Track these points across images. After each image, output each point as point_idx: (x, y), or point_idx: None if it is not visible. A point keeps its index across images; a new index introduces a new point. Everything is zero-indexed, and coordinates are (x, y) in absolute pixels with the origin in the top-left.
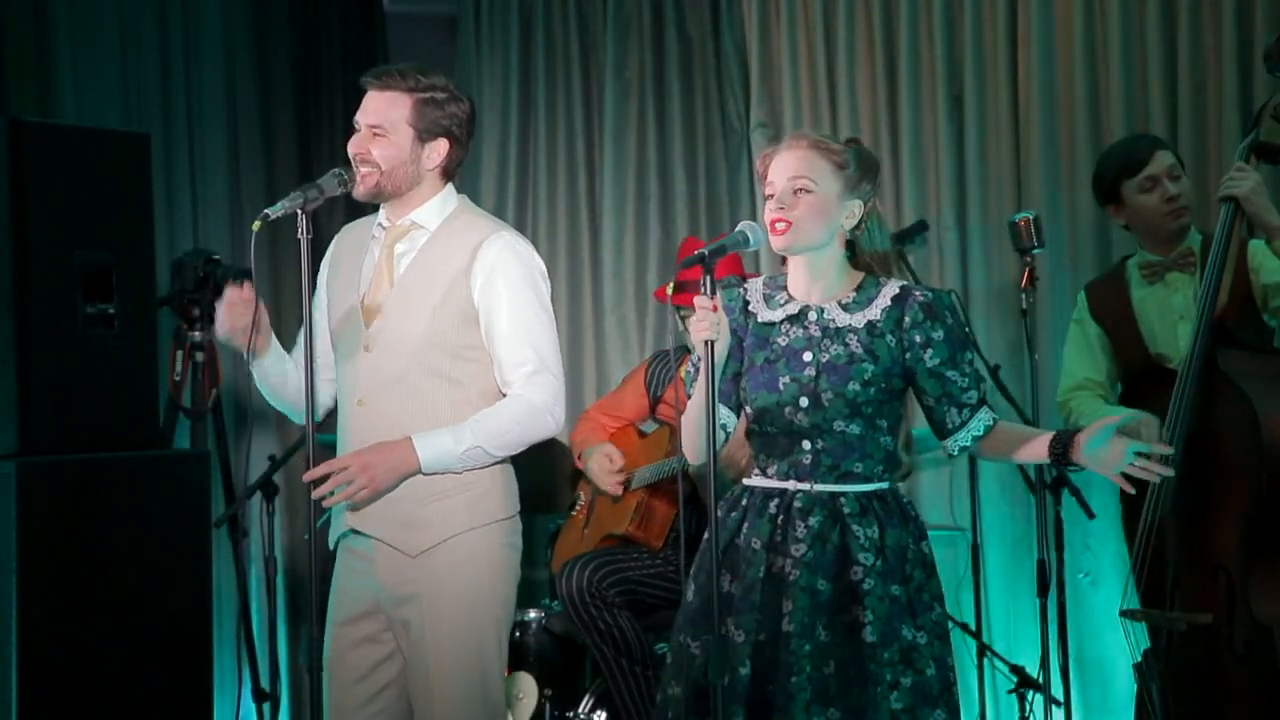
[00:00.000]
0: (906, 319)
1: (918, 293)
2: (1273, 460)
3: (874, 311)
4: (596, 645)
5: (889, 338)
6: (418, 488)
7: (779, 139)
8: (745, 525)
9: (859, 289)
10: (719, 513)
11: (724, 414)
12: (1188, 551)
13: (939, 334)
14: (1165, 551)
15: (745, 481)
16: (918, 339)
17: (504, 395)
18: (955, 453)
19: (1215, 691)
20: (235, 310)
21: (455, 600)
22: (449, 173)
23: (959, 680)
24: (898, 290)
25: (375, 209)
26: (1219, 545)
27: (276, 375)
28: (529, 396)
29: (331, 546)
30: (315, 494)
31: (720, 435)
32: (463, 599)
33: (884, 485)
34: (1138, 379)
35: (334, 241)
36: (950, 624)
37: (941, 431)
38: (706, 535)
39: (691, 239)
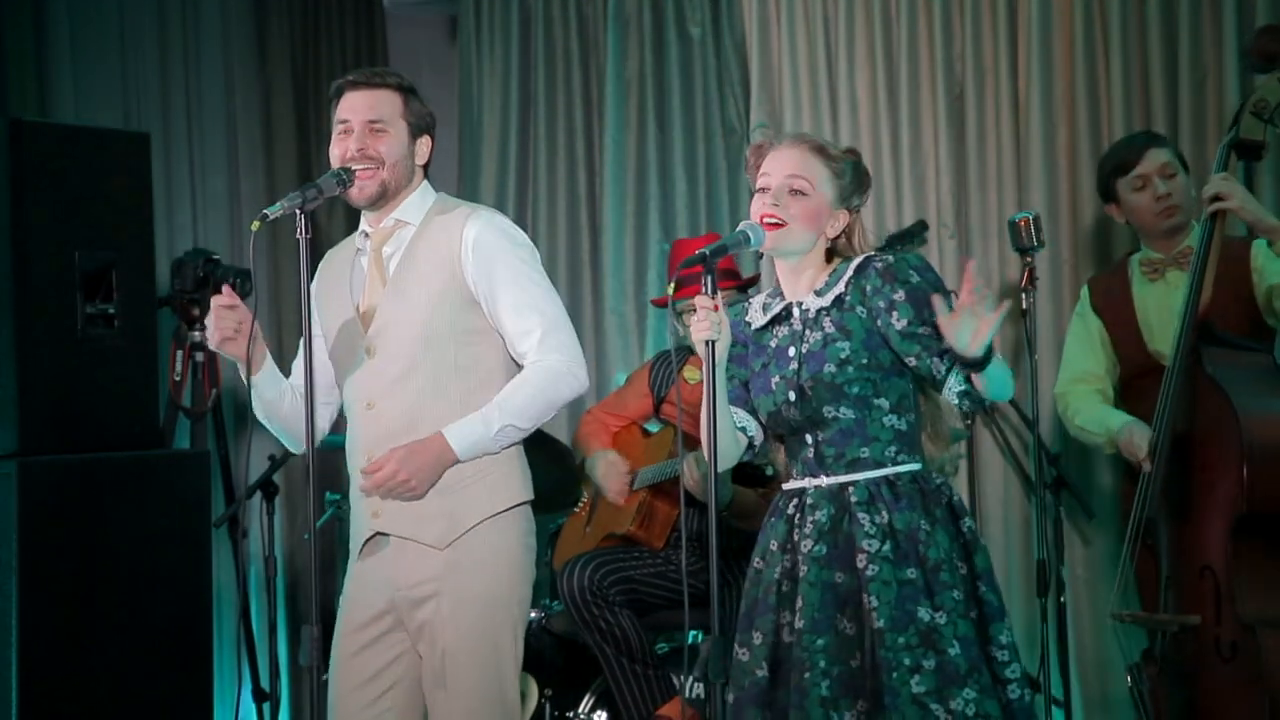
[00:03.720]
0: (868, 287)
1: (878, 259)
2: (1254, 459)
3: (840, 286)
4: (597, 644)
5: (859, 309)
6: (439, 479)
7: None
8: (773, 529)
9: (832, 272)
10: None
11: (742, 417)
12: (1177, 552)
13: (900, 294)
14: (1159, 552)
15: (782, 486)
16: (881, 304)
17: (520, 368)
18: (957, 399)
19: (1205, 692)
20: (222, 318)
21: (474, 601)
22: (427, 169)
23: None
24: (860, 260)
25: (349, 219)
26: (1205, 545)
27: (272, 393)
28: (546, 362)
29: (358, 554)
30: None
31: (742, 439)
32: (481, 599)
33: (901, 468)
34: (1136, 375)
35: (318, 271)
36: None
37: (935, 384)
38: (759, 539)
39: (680, 241)
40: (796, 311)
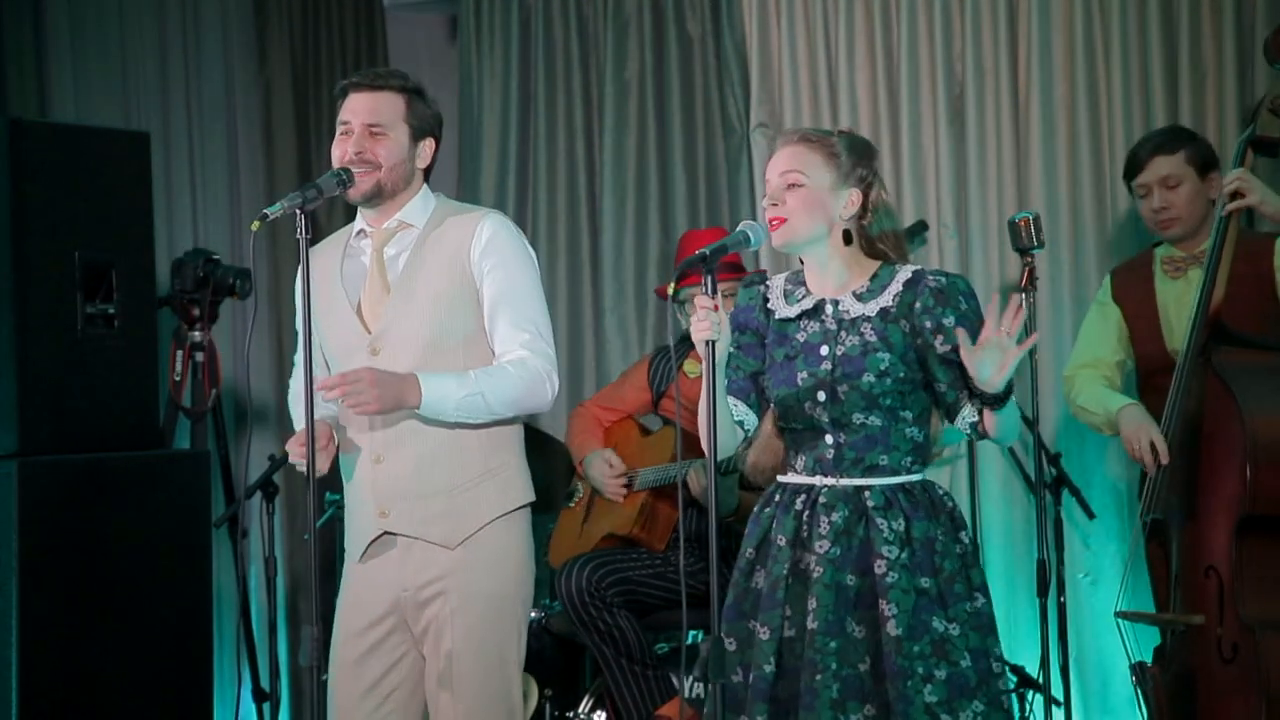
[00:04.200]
0: (917, 304)
1: (930, 277)
2: (1258, 459)
3: (886, 298)
4: (596, 645)
5: (902, 323)
6: (447, 479)
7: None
8: (774, 522)
9: (874, 277)
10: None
11: (740, 411)
12: (1185, 551)
13: (950, 320)
14: (1169, 551)
15: (779, 478)
16: (928, 324)
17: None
18: (970, 429)
19: (1206, 693)
20: (325, 456)
21: (481, 599)
22: (429, 173)
23: None
24: (910, 274)
25: (350, 219)
26: (1211, 545)
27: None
28: (532, 362)
29: (359, 558)
30: (327, 396)
31: (739, 433)
32: (488, 598)
33: (914, 477)
34: (1152, 371)
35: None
36: None
37: (949, 412)
38: (749, 529)
39: (690, 233)
40: (830, 309)
